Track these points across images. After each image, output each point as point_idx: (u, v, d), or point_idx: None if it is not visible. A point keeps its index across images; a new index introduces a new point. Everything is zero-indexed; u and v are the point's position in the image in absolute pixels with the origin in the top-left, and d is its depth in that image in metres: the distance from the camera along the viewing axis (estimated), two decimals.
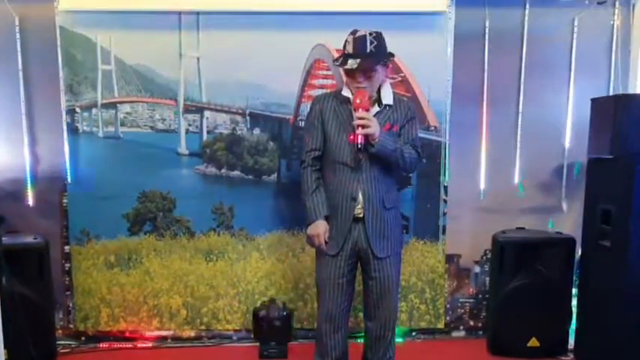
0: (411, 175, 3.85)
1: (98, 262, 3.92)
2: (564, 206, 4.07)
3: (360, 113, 2.72)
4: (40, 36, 3.77)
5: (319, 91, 3.61)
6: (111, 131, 3.90)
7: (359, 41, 2.77)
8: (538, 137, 3.98)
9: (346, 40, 2.81)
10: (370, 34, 2.79)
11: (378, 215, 2.89)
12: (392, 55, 2.91)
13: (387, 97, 2.89)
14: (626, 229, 3.15)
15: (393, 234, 2.96)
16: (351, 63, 2.75)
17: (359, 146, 2.72)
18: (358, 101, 2.74)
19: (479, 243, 4.05)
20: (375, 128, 2.72)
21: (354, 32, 2.81)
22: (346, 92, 2.89)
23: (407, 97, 3.76)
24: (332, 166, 2.91)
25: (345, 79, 2.89)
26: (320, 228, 2.89)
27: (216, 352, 3.91)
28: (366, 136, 2.73)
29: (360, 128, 2.71)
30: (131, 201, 3.90)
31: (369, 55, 2.77)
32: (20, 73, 3.78)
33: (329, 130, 2.91)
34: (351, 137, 2.80)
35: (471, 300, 4.17)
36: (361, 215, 2.88)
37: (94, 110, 3.87)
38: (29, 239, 3.54)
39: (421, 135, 3.77)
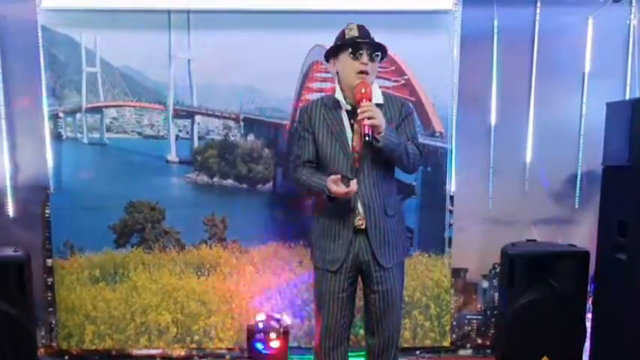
0: (414, 183, 3.86)
1: (82, 276, 3.92)
2: (578, 217, 4.07)
3: (366, 103, 2.71)
4: (21, 36, 3.77)
5: (317, 95, 3.60)
6: (96, 137, 3.91)
7: (363, 28, 2.83)
8: (550, 144, 3.99)
9: (347, 28, 2.83)
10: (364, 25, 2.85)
11: (380, 224, 2.88)
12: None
13: (377, 96, 2.88)
14: None
15: (398, 242, 2.94)
16: (362, 40, 2.78)
17: (367, 138, 2.69)
18: (363, 91, 2.73)
19: (487, 256, 4.05)
20: (381, 119, 2.71)
21: (349, 25, 2.84)
22: (338, 95, 2.88)
23: (411, 101, 3.76)
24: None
25: (341, 72, 2.85)
26: (333, 182, 2.71)
27: None
28: (372, 129, 2.73)
29: (366, 119, 2.69)
30: (118, 211, 3.90)
31: (373, 40, 2.83)
32: None
33: (320, 141, 2.90)
34: (354, 145, 2.83)
35: (479, 317, 4.18)
36: (363, 227, 2.87)
37: (78, 115, 3.88)
38: (9, 252, 3.52)
39: (426, 141, 3.81)
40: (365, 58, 2.78)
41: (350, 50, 2.79)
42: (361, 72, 2.78)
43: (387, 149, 2.75)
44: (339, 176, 2.71)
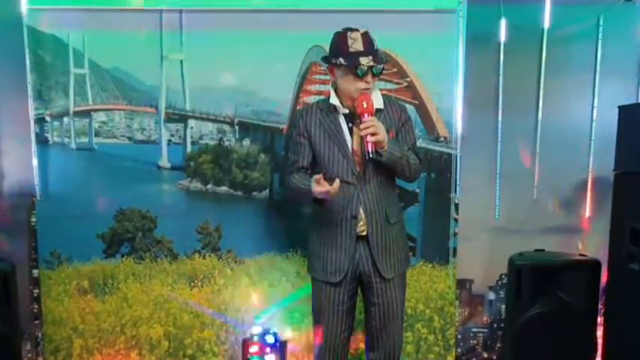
0: (417, 190, 3.88)
1: (70, 287, 3.93)
2: (589, 225, 4.08)
3: (368, 118, 2.73)
4: (5, 36, 3.75)
5: (316, 98, 3.60)
6: (84, 142, 3.92)
7: (367, 38, 2.80)
8: (559, 149, 3.98)
9: (350, 38, 2.80)
10: (368, 31, 2.82)
11: (382, 231, 2.91)
12: None
13: (377, 101, 2.89)
14: None
15: (400, 251, 2.98)
16: (366, 61, 2.76)
17: (370, 155, 2.72)
18: (364, 105, 2.74)
19: (493, 267, 4.05)
20: (384, 134, 2.73)
21: (350, 29, 2.82)
22: (334, 100, 2.89)
23: (413, 105, 3.80)
24: None
25: (340, 85, 2.86)
26: (316, 181, 2.74)
27: None
28: (375, 145, 2.74)
29: (369, 136, 2.71)
30: (107, 220, 3.91)
31: (377, 52, 2.81)
32: None
33: (318, 146, 2.92)
34: (354, 149, 2.85)
35: (485, 330, 4.18)
36: (364, 233, 2.89)
37: (65, 119, 3.89)
38: None
39: (429, 147, 3.83)
40: (369, 77, 2.78)
41: (355, 73, 2.78)
42: (364, 89, 2.79)
43: (389, 163, 2.78)
44: (321, 175, 2.73)
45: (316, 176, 2.73)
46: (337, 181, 2.72)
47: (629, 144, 3.37)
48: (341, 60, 2.79)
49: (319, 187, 2.71)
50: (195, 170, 3.93)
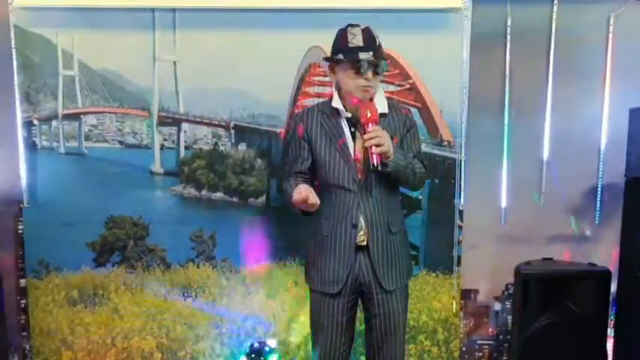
0: (420, 197, 3.87)
1: (59, 297, 3.93)
2: (598, 233, 4.08)
3: (372, 128, 2.70)
4: None
5: (315, 101, 3.60)
6: (74, 146, 3.92)
7: (368, 33, 2.78)
8: (568, 153, 3.99)
9: (350, 33, 2.78)
10: (369, 27, 2.81)
11: (383, 241, 2.87)
12: None
13: (381, 105, 2.86)
14: None
15: (402, 262, 2.95)
16: (366, 56, 2.74)
17: (375, 166, 2.70)
18: (368, 114, 2.71)
19: (499, 276, 4.05)
20: (389, 144, 2.70)
21: (351, 25, 2.80)
22: (337, 103, 2.87)
23: (416, 107, 3.79)
24: (326, 190, 2.90)
25: (342, 84, 2.84)
26: (303, 189, 2.71)
27: None
28: (380, 156, 2.73)
29: (373, 147, 2.68)
30: (97, 227, 3.91)
31: (379, 47, 2.79)
32: None
33: (318, 151, 2.89)
34: (357, 155, 2.82)
35: (491, 342, 4.17)
36: (364, 243, 2.88)
37: (54, 122, 3.89)
38: None
39: (433, 151, 3.83)
40: (369, 74, 2.77)
41: (356, 68, 2.77)
42: (365, 86, 2.79)
43: (394, 172, 2.76)
44: (305, 185, 2.72)
45: (300, 185, 2.72)
46: (316, 198, 2.70)
47: None
48: (340, 56, 2.78)
49: (297, 194, 2.68)
50: (189, 176, 3.93)
